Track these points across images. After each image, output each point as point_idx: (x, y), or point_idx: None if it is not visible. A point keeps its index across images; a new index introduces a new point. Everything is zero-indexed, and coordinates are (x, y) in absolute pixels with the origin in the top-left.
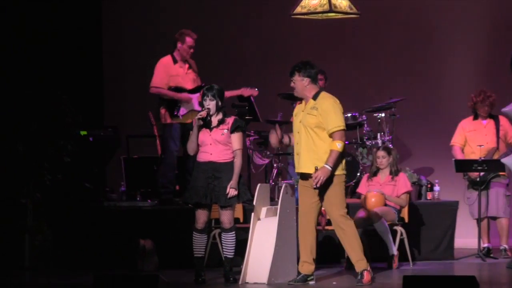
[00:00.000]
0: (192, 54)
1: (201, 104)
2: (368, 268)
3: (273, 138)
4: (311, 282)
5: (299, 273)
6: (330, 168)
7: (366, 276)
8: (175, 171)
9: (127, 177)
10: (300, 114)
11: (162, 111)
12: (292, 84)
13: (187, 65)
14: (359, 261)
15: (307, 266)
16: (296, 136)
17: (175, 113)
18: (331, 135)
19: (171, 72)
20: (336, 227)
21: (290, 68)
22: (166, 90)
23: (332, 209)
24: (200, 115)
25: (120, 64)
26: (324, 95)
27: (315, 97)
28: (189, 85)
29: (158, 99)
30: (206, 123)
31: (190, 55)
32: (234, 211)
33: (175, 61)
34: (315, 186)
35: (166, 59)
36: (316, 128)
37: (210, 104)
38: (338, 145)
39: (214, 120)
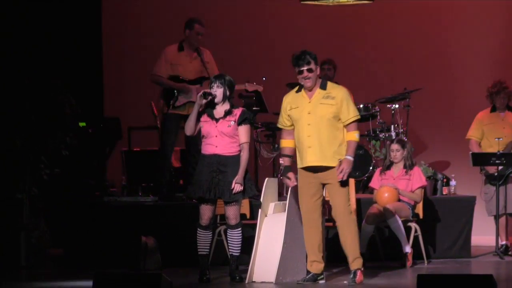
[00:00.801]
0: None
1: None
2: (362, 268)
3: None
4: (321, 282)
5: (308, 272)
6: (352, 160)
7: (359, 276)
8: (170, 164)
9: (128, 171)
10: (306, 105)
11: (161, 100)
12: (306, 74)
13: (194, 54)
14: (356, 259)
15: (316, 265)
16: (305, 128)
17: (172, 103)
18: (347, 125)
19: (172, 61)
20: (340, 221)
21: (301, 57)
22: (164, 78)
23: (338, 203)
24: (205, 90)
25: (121, 52)
26: (332, 84)
27: (323, 86)
28: (191, 75)
29: (159, 88)
30: (210, 105)
31: (199, 42)
32: (240, 206)
33: (181, 49)
34: (340, 180)
35: (171, 47)
36: (333, 118)
37: (217, 91)
38: (357, 136)
39: (221, 110)
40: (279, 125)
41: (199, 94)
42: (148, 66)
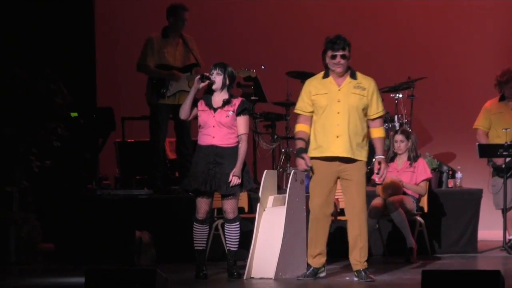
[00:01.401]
0: (193, 30)
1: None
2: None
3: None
4: (322, 274)
5: (309, 266)
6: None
7: (369, 274)
8: (164, 156)
9: (121, 163)
10: (336, 93)
11: (150, 91)
12: (339, 60)
13: (180, 41)
14: (366, 259)
15: (319, 259)
16: (334, 116)
17: (162, 93)
18: (372, 120)
19: (158, 48)
20: (356, 220)
21: (337, 41)
22: (152, 67)
23: (358, 201)
24: (204, 73)
25: (115, 40)
26: (361, 74)
27: (353, 75)
28: (179, 63)
29: (147, 78)
30: (208, 92)
31: (184, 28)
32: (238, 199)
33: (165, 36)
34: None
35: (155, 34)
36: (361, 110)
37: (216, 77)
38: (384, 132)
39: (219, 100)
40: (296, 111)
41: (197, 77)
42: None
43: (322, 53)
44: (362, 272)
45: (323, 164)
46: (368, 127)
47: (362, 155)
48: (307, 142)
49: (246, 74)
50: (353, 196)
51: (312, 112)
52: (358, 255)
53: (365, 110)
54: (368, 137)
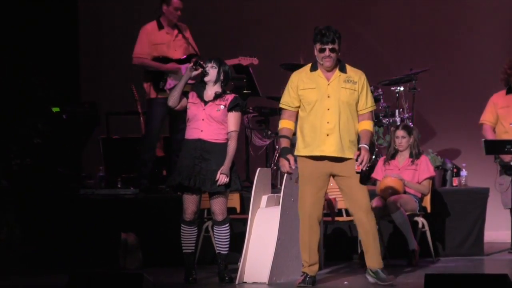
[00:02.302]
0: (185, 19)
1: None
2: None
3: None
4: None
5: (305, 274)
6: (368, 149)
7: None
8: (155, 153)
9: (106, 160)
10: (325, 88)
11: (147, 85)
12: (328, 54)
13: (175, 31)
14: (380, 258)
15: (314, 268)
16: (324, 113)
17: (161, 87)
18: (362, 114)
19: (155, 40)
20: (363, 217)
21: (326, 34)
22: (149, 60)
23: (361, 197)
24: (197, 60)
25: (98, 32)
26: (351, 67)
27: (343, 69)
28: (177, 54)
29: (142, 71)
30: (200, 84)
31: (178, 18)
32: (227, 200)
33: (160, 27)
34: (361, 170)
35: (150, 25)
36: (351, 105)
37: (211, 70)
38: (372, 126)
39: (211, 93)
40: (281, 105)
41: (190, 65)
42: (128, 46)
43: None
44: (380, 272)
45: (313, 163)
46: None
47: (353, 153)
48: (292, 140)
49: (248, 62)
50: (355, 195)
51: (298, 107)
52: (374, 254)
53: (356, 105)
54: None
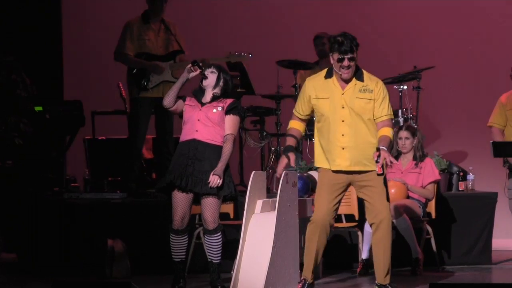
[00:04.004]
0: (176, 17)
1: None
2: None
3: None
4: None
5: (304, 281)
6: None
7: None
8: (141, 155)
9: (92, 163)
10: (339, 97)
11: (129, 83)
12: (347, 63)
13: (162, 26)
14: (389, 273)
15: (314, 273)
16: (338, 125)
17: (143, 85)
18: (380, 122)
19: (138, 35)
20: (383, 228)
21: (345, 43)
22: (131, 57)
23: (383, 207)
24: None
25: (83, 28)
26: (369, 74)
27: (360, 77)
28: (162, 50)
29: (126, 68)
30: (201, 79)
31: (164, 12)
32: (219, 207)
33: (146, 22)
34: (380, 172)
35: (134, 20)
36: (369, 115)
37: (210, 75)
38: (392, 133)
39: (208, 95)
40: (294, 111)
41: (188, 66)
42: (114, 43)
43: (314, 39)
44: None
45: (331, 173)
46: None
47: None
48: (298, 141)
49: (238, 59)
50: (378, 205)
51: (308, 115)
52: (381, 269)
53: (371, 115)
54: None
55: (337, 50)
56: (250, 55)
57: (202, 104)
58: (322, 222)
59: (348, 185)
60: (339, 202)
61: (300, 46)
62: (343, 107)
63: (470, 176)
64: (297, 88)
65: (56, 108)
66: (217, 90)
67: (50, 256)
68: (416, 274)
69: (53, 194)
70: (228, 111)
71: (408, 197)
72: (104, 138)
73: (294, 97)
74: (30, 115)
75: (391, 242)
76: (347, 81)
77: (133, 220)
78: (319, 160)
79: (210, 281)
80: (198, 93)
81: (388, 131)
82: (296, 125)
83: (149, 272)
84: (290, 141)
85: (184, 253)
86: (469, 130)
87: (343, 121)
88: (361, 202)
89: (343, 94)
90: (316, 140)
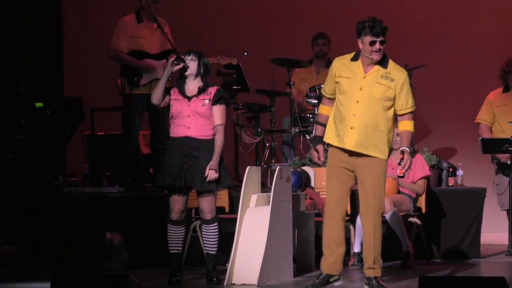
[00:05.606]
0: (169, 13)
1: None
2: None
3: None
4: (337, 283)
5: (319, 273)
6: (409, 151)
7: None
8: (137, 151)
9: (91, 158)
10: (359, 79)
11: (122, 79)
12: (379, 46)
13: (155, 25)
14: (379, 266)
15: (336, 265)
16: (352, 105)
17: (135, 82)
18: (401, 114)
19: (133, 33)
20: (371, 222)
21: (377, 26)
22: (125, 54)
23: (376, 202)
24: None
25: (83, 26)
26: (394, 63)
27: (385, 64)
28: (155, 49)
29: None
30: (181, 80)
31: (158, 11)
32: (216, 198)
33: (139, 20)
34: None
35: (129, 18)
36: (385, 102)
37: (190, 63)
38: (413, 126)
39: (193, 88)
40: (322, 91)
41: (171, 59)
42: None
43: (313, 39)
44: (373, 280)
45: (339, 153)
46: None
47: (379, 152)
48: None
49: (226, 62)
50: (370, 198)
51: (334, 95)
52: (371, 261)
53: (391, 104)
54: (393, 133)
55: (370, 33)
56: (245, 53)
57: (189, 98)
58: (335, 206)
59: (353, 173)
60: (348, 189)
61: (295, 44)
62: (360, 89)
63: (460, 172)
64: (292, 86)
65: (56, 105)
66: (199, 81)
67: (49, 249)
68: (407, 267)
69: (53, 188)
70: (215, 102)
71: (399, 192)
72: (103, 133)
73: (288, 95)
74: (31, 112)
75: (382, 234)
76: (371, 66)
77: (131, 214)
78: (329, 135)
79: (206, 273)
80: (180, 84)
81: (409, 125)
82: (324, 111)
83: (146, 265)
84: (319, 131)
85: (181, 245)
86: (458, 128)
87: (357, 102)
88: (352, 197)
89: (364, 77)
90: (331, 117)
